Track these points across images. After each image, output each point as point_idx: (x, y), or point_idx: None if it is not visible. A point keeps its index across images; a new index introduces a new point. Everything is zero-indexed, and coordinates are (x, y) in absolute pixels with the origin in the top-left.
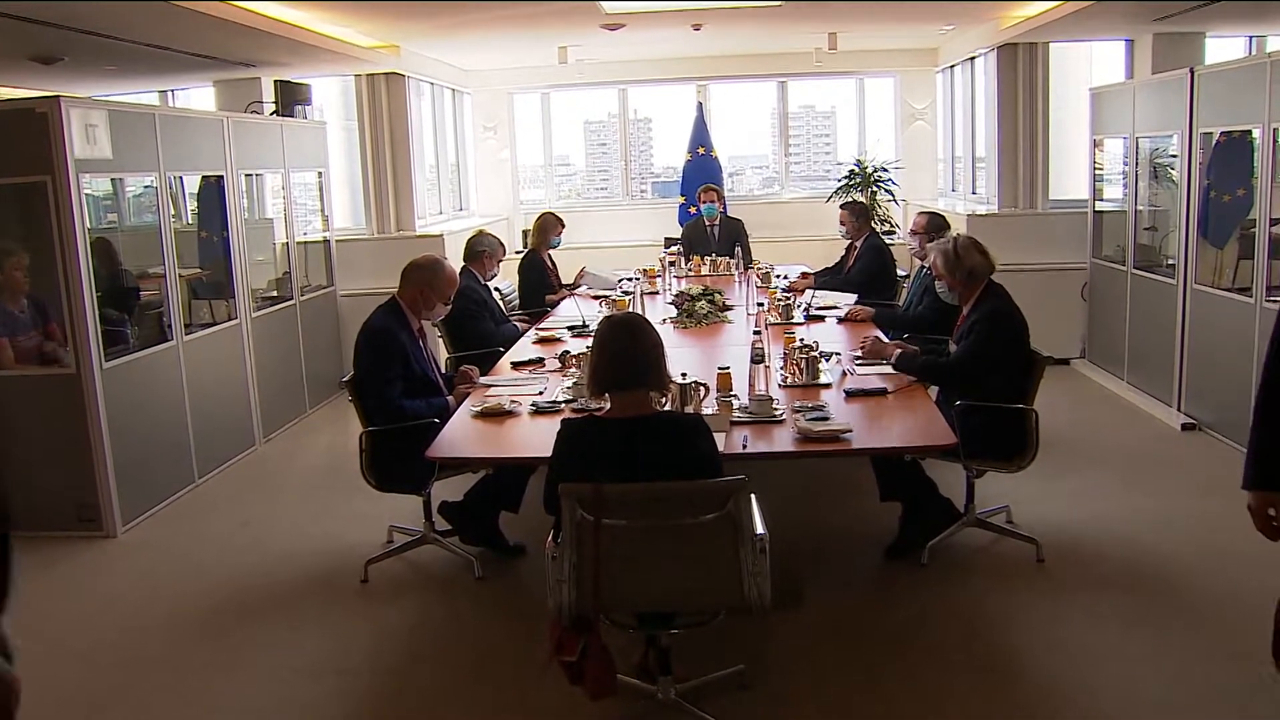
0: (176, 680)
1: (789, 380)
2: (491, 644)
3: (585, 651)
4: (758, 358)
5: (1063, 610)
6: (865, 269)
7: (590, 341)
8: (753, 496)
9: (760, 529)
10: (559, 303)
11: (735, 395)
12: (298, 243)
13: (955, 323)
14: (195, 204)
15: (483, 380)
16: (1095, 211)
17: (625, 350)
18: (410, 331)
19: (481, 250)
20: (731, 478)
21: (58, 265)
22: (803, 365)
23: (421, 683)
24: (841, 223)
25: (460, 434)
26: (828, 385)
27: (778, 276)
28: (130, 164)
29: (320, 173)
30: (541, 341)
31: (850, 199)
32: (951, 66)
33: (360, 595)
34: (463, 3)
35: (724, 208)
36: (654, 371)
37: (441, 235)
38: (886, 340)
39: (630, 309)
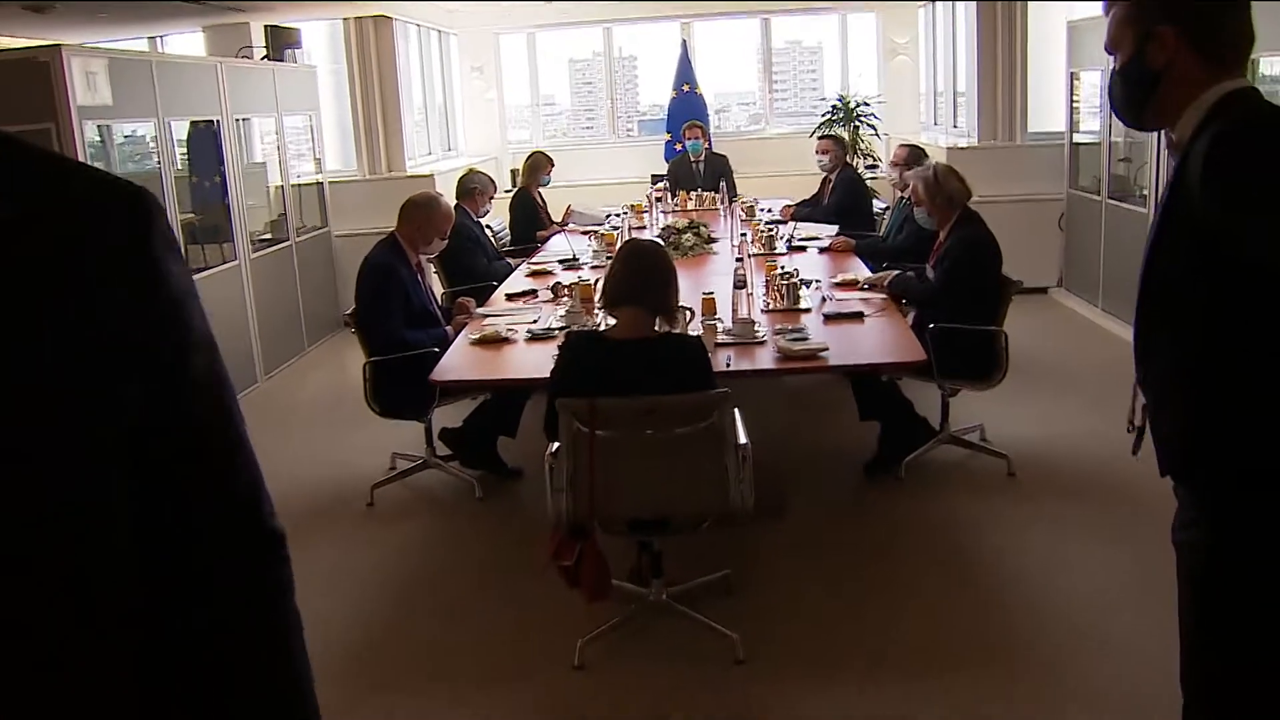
0: None
1: (771, 306)
2: (494, 558)
3: (581, 557)
4: (740, 283)
5: (1031, 519)
6: (841, 201)
7: (580, 274)
8: (736, 410)
9: (743, 439)
10: (549, 238)
11: (719, 319)
12: (292, 185)
13: (932, 248)
14: (185, 150)
15: (479, 311)
16: (1072, 144)
17: (638, 268)
18: (409, 266)
19: (473, 188)
20: (715, 391)
21: None
22: (784, 291)
23: (431, 594)
24: (824, 152)
25: (460, 360)
26: (807, 310)
27: (762, 210)
28: (129, 110)
29: (312, 116)
30: (534, 275)
31: (829, 133)
32: (933, 1)
33: (367, 517)
34: None
35: (709, 144)
36: (658, 293)
37: (432, 175)
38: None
39: (618, 241)
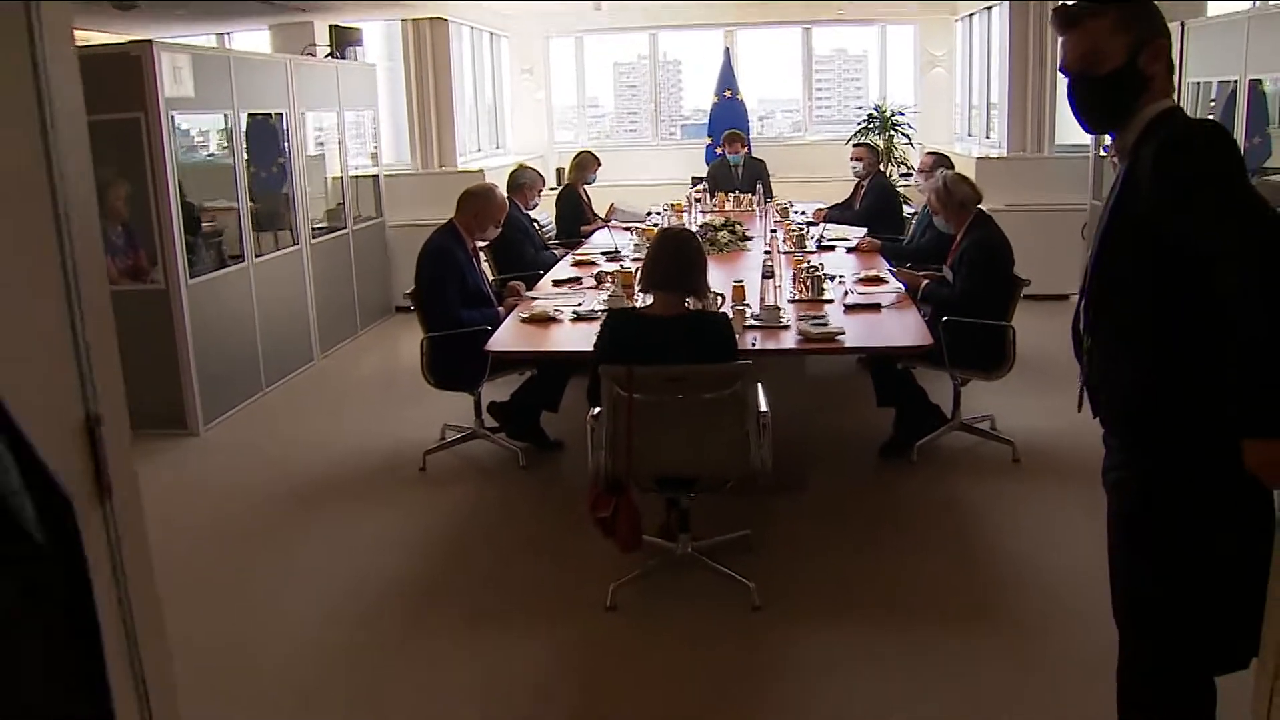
0: (264, 552)
1: (797, 296)
2: (536, 519)
3: (617, 510)
4: (767, 273)
5: (1030, 499)
6: (871, 206)
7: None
8: (759, 384)
9: (764, 407)
10: (593, 233)
11: (748, 305)
12: (350, 177)
13: (949, 250)
14: (245, 141)
15: (528, 294)
16: (1097, 156)
17: (673, 255)
18: (466, 251)
19: (523, 183)
20: (738, 363)
21: (149, 193)
22: (809, 283)
23: (479, 548)
24: (859, 159)
25: (512, 335)
26: (830, 301)
27: (796, 212)
28: (208, 103)
29: (371, 111)
30: (579, 264)
31: (863, 141)
32: (969, 15)
33: (420, 482)
34: None
35: (749, 150)
36: (695, 277)
37: (482, 171)
38: (909, 272)
39: None
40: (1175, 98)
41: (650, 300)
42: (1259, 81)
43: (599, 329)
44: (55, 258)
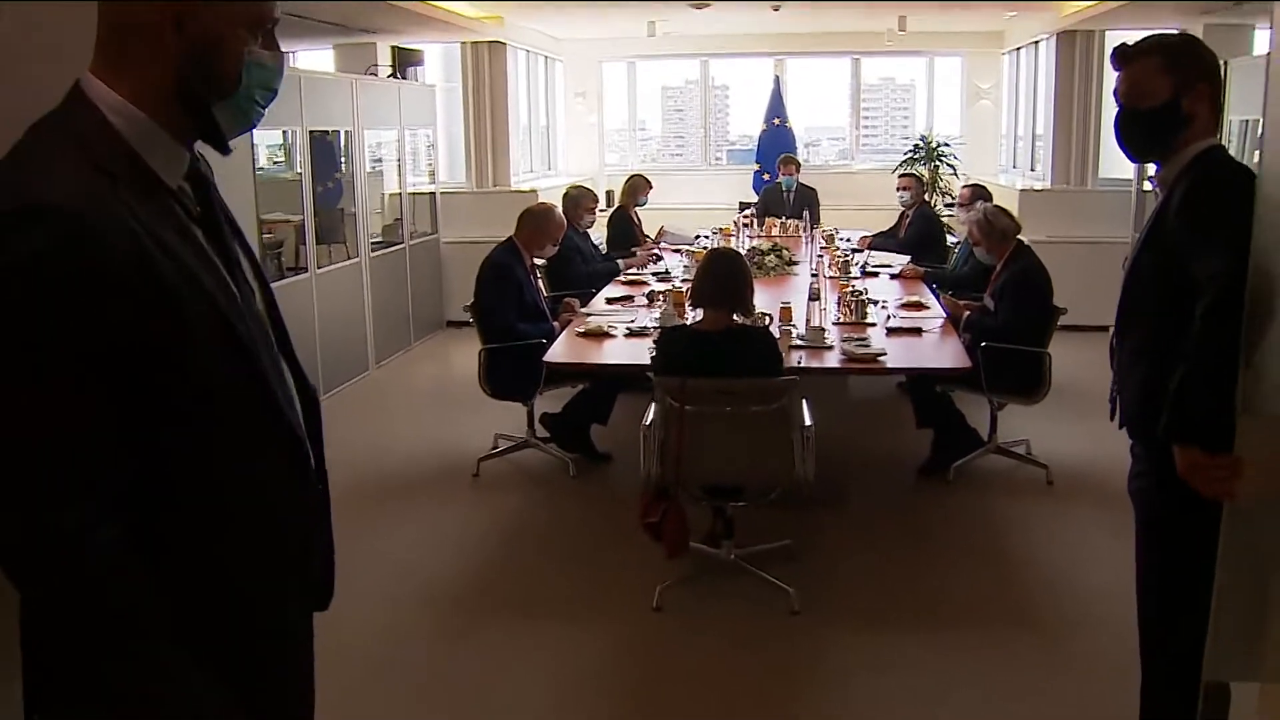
0: None
1: (841, 319)
2: (586, 525)
3: (665, 515)
4: (814, 295)
5: (1065, 521)
6: (916, 234)
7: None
8: (804, 400)
9: (808, 421)
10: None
11: (794, 325)
12: (409, 194)
13: (990, 279)
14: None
15: (582, 310)
16: (1140, 190)
17: (721, 272)
18: (525, 267)
19: (568, 207)
20: (785, 378)
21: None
22: (853, 306)
23: (531, 549)
24: (905, 188)
25: (569, 347)
26: (873, 324)
27: (842, 239)
28: (279, 120)
29: (429, 131)
30: (631, 284)
31: (909, 171)
32: (1017, 49)
33: (473, 487)
34: None
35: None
36: (741, 293)
37: (535, 191)
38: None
39: None
40: (1220, 135)
41: (700, 316)
42: None
43: (654, 343)
44: None
